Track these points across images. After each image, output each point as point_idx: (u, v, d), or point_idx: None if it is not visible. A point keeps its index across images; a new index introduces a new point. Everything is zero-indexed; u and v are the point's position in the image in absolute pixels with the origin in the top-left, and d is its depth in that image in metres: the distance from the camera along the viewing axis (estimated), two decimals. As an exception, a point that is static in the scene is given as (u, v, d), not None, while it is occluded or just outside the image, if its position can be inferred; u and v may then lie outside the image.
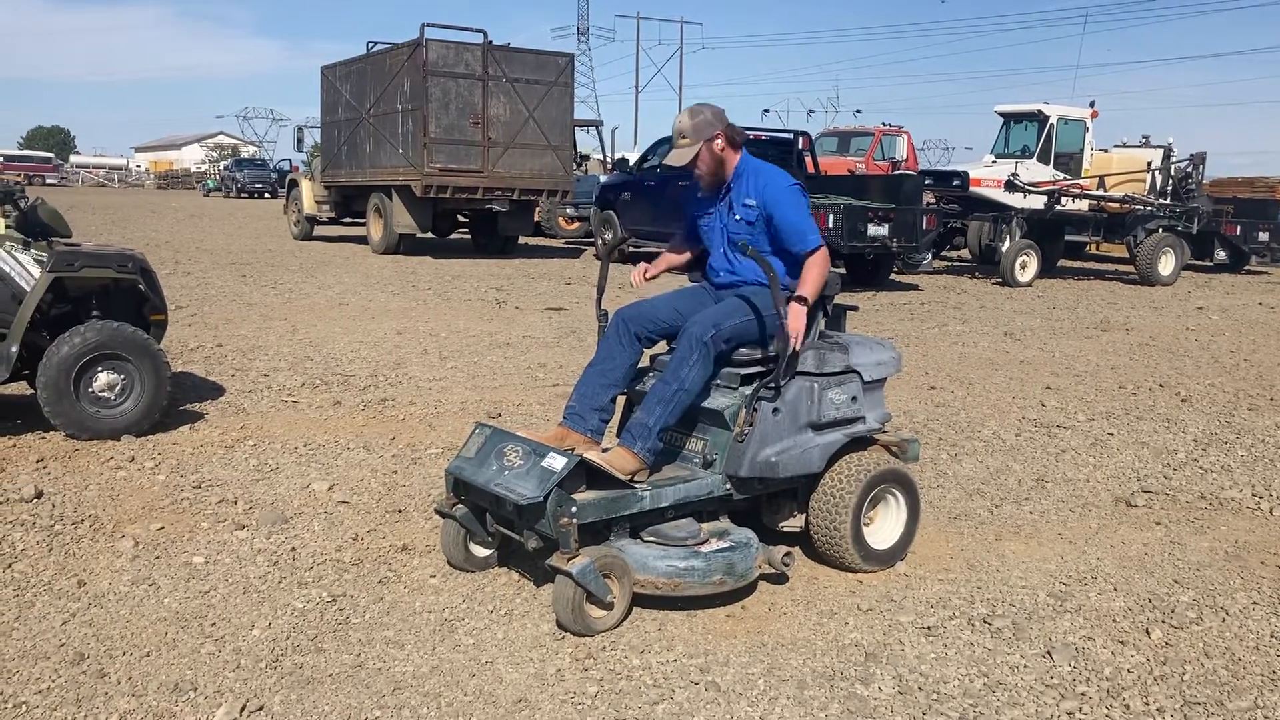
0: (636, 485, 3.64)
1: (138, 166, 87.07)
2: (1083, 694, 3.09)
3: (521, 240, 19.80)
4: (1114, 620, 3.62)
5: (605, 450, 3.77)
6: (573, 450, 3.62)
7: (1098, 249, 20.77)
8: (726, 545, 3.60)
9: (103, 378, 5.33)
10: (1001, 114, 18.54)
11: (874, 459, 4.01)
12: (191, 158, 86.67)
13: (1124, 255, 18.66)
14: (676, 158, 3.95)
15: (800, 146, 16.58)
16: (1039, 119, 17.70)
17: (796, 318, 3.77)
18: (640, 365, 4.11)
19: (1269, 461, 5.83)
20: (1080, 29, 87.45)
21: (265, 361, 7.68)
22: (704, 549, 3.55)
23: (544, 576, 3.75)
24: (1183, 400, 7.46)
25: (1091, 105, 18.28)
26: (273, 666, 3.11)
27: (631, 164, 18.69)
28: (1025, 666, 3.26)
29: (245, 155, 71.19)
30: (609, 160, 25.03)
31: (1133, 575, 4.05)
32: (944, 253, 20.41)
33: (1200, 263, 19.72)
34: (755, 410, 3.76)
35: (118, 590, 3.61)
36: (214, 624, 3.38)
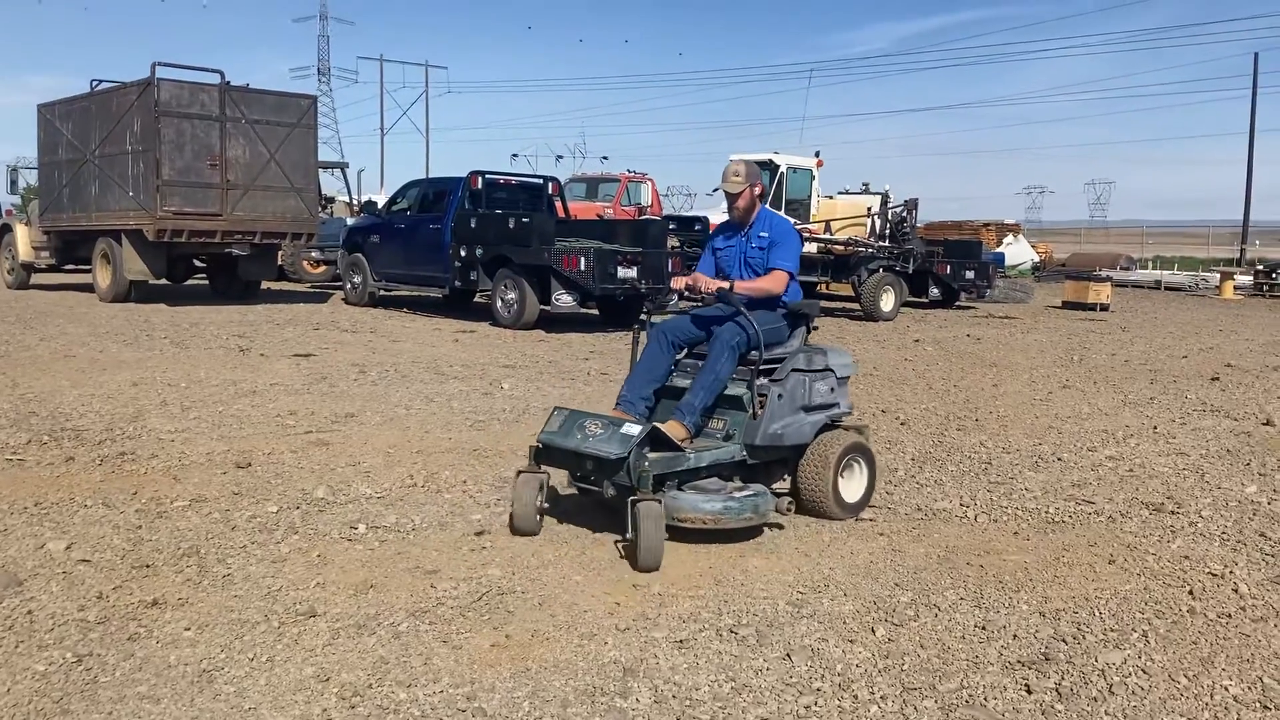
0: (686, 450, 4.86)
1: None
2: (818, 689, 3.40)
3: (264, 285, 19.13)
4: (844, 622, 3.99)
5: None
6: None
7: (827, 288, 22.22)
8: (752, 492, 4.86)
9: None
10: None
11: (845, 435, 5.40)
12: (-122, 199, 78.03)
13: (850, 294, 20.03)
14: (732, 186, 5.40)
15: (550, 191, 16.98)
16: (770, 167, 18.83)
17: (709, 283, 5.28)
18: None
19: (974, 475, 6.52)
20: (806, 82, 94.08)
21: (-17, 418, 7.13)
22: (738, 494, 4.79)
23: (304, 623, 3.75)
24: (902, 424, 8.19)
25: (817, 155, 19.68)
26: (14, 733, 2.97)
27: (380, 206, 18.49)
28: (768, 669, 3.55)
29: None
30: (355, 202, 24.62)
31: (860, 581, 4.46)
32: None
33: (917, 299, 21.37)
34: (765, 396, 5.07)
35: None
36: (-57, 695, 3.18)
